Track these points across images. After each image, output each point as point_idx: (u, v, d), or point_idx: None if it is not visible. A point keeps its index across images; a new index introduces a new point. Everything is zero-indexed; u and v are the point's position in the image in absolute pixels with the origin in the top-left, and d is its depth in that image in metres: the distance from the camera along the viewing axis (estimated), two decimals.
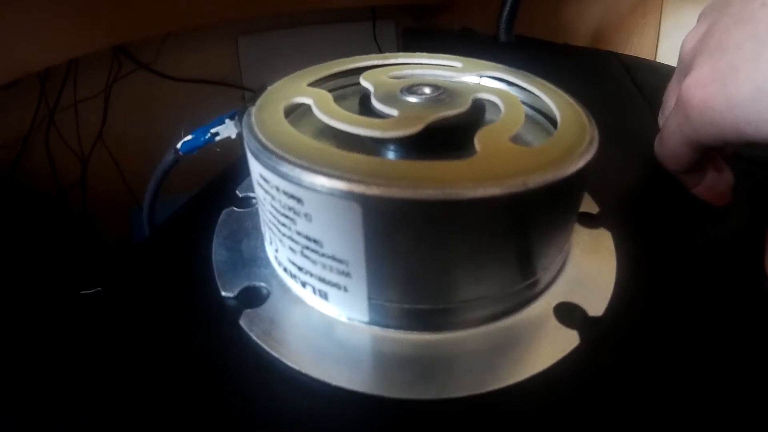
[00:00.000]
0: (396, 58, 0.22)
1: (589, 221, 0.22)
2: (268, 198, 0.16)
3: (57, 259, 0.67)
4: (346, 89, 0.21)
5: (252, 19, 0.77)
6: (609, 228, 0.21)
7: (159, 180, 0.22)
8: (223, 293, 0.18)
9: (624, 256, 0.20)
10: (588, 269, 0.19)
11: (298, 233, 0.15)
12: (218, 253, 0.20)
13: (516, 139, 0.16)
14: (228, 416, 0.15)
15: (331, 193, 0.13)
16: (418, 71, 0.21)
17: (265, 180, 0.16)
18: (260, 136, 0.16)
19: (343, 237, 0.14)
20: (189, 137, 0.21)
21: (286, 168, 0.14)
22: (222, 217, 0.22)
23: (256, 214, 0.21)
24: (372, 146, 0.16)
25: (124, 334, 0.18)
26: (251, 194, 0.23)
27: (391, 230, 0.14)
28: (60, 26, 0.59)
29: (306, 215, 0.14)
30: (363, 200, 0.13)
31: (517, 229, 0.14)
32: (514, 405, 0.15)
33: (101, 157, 0.74)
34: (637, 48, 0.71)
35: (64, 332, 0.19)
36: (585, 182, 0.16)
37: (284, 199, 0.15)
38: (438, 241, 0.14)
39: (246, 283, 0.18)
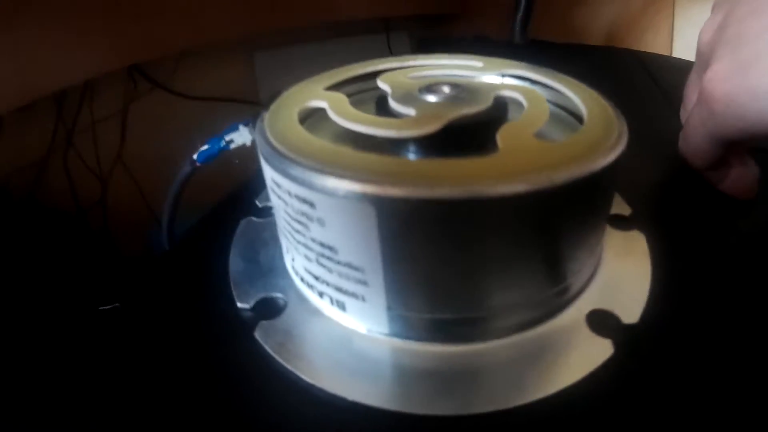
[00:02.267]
0: (415, 60, 0.22)
1: (622, 223, 0.20)
2: (282, 204, 0.15)
3: (77, 276, 0.67)
4: (364, 94, 0.21)
5: (266, 35, 0.77)
6: (642, 230, 0.20)
7: (177, 192, 0.22)
8: (239, 304, 0.18)
9: (658, 259, 0.19)
10: (621, 274, 0.18)
11: (313, 240, 0.15)
12: (235, 264, 0.19)
13: (540, 136, 0.15)
14: (241, 431, 0.14)
15: (343, 196, 0.13)
16: (437, 72, 0.21)
17: (277, 185, 0.15)
18: (271, 140, 0.15)
19: (357, 242, 0.13)
20: (205, 147, 0.20)
21: (296, 171, 0.14)
22: (240, 227, 0.21)
23: (275, 224, 0.21)
24: (390, 148, 0.15)
25: (140, 347, 0.17)
26: (270, 204, 0.22)
27: (407, 233, 0.13)
28: (75, 47, 0.60)
29: (319, 220, 0.14)
30: (377, 201, 0.12)
31: (544, 229, 0.14)
32: (543, 421, 0.14)
33: (120, 177, 0.75)
34: (651, 45, 0.70)
35: (81, 347, 0.18)
36: (614, 178, 0.15)
37: (297, 204, 0.14)
38: (458, 244, 0.13)
39: (262, 294, 0.18)
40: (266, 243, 0.20)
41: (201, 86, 0.77)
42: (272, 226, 0.21)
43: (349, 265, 0.14)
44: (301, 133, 0.15)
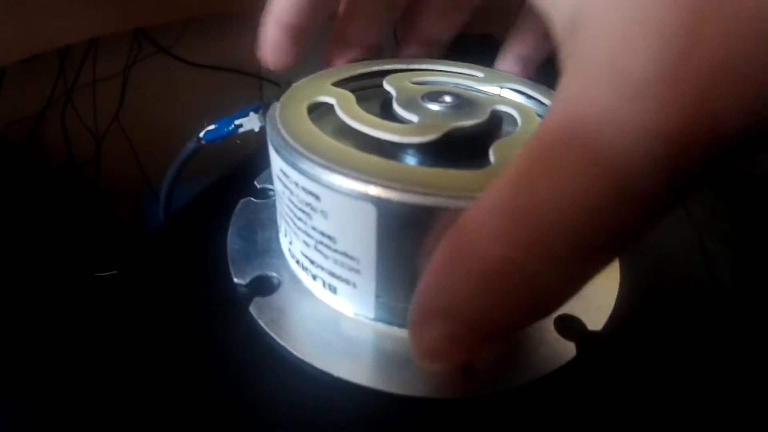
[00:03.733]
0: (420, 63, 0.23)
1: None
2: (287, 192, 0.17)
3: (67, 234, 0.68)
4: (369, 90, 0.22)
5: None
6: None
7: (179, 167, 0.23)
8: (236, 280, 0.19)
9: (627, 271, 0.21)
10: (592, 283, 0.19)
11: (314, 228, 0.16)
12: (233, 242, 0.21)
13: None
14: (232, 399, 0.16)
15: (348, 193, 0.14)
16: (440, 78, 0.22)
17: (285, 175, 0.16)
18: (283, 133, 0.16)
19: (356, 235, 0.15)
20: (212, 127, 0.21)
21: (307, 165, 0.15)
22: (239, 206, 0.23)
23: (273, 206, 0.22)
24: (390, 149, 0.17)
25: (136, 316, 0.19)
26: (269, 186, 0.23)
27: (402, 233, 0.14)
28: (82, 4, 0.59)
29: (322, 212, 0.15)
30: (378, 202, 0.14)
31: None
32: (505, 410, 0.16)
33: (116, 138, 0.75)
34: None
35: (76, 313, 0.20)
36: None
37: (302, 195, 0.16)
38: None
39: (258, 272, 0.19)
40: (263, 224, 0.22)
41: (204, 54, 0.77)
42: (270, 208, 0.22)
43: (345, 254, 0.16)
44: (311, 128, 0.17)
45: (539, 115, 0.20)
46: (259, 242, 0.21)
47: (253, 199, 0.23)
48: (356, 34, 0.22)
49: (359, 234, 0.15)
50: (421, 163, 0.17)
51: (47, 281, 0.43)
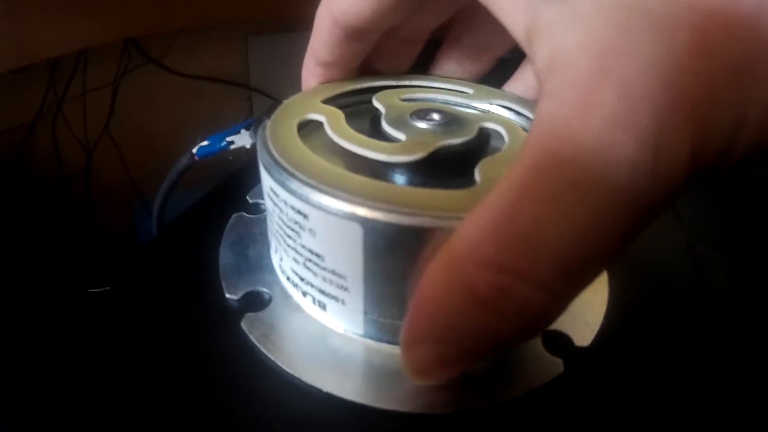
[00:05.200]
0: (410, 80, 0.23)
1: None
2: (276, 210, 0.17)
3: (57, 244, 0.68)
4: (359, 107, 0.22)
5: (262, 21, 0.78)
6: None
7: (172, 182, 0.23)
8: (227, 295, 0.19)
9: (615, 290, 0.21)
10: (581, 301, 0.20)
11: (302, 246, 0.16)
12: (225, 256, 0.21)
13: None
14: (223, 414, 0.16)
15: (335, 213, 0.14)
16: (429, 95, 0.22)
17: (274, 193, 0.17)
18: (273, 152, 0.17)
19: (343, 254, 0.15)
20: (205, 143, 0.22)
21: (295, 185, 0.15)
22: (231, 221, 0.23)
23: (265, 221, 0.22)
24: (378, 167, 0.17)
25: (128, 331, 0.19)
26: (261, 201, 0.24)
27: (388, 252, 0.15)
28: (72, 15, 0.60)
29: (311, 230, 0.15)
30: (364, 222, 0.14)
31: None
32: (493, 425, 0.16)
33: (106, 149, 0.75)
34: None
35: (69, 329, 0.20)
36: None
37: (291, 214, 0.16)
38: None
39: (250, 288, 0.19)
40: (255, 239, 0.22)
41: (193, 65, 0.77)
42: (261, 223, 0.23)
43: (333, 272, 0.16)
44: (301, 148, 0.17)
45: (526, 130, 0.20)
46: (251, 257, 0.21)
47: (245, 213, 0.23)
48: (377, 66, 0.23)
49: (347, 252, 0.15)
50: (409, 181, 0.17)
51: (38, 292, 0.43)
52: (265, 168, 0.17)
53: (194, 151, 0.22)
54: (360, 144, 0.17)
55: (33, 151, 0.72)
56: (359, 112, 0.22)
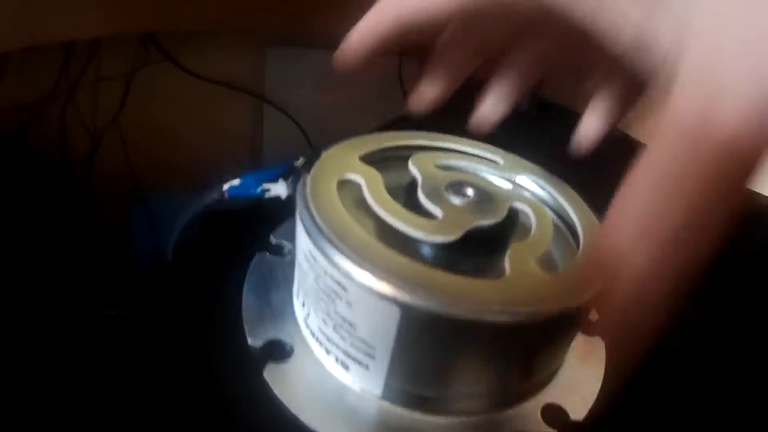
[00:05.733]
0: (443, 141, 0.24)
1: (587, 328, 0.24)
2: (313, 273, 0.18)
3: (53, 228, 0.67)
4: (395, 162, 0.23)
5: (282, 34, 0.78)
6: (604, 336, 0.23)
7: (196, 213, 0.24)
8: (250, 341, 0.20)
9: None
10: (578, 375, 0.21)
11: (336, 312, 0.17)
12: (248, 300, 0.22)
13: (543, 257, 0.18)
14: None
15: (376, 294, 0.15)
16: (462, 162, 0.24)
17: (313, 258, 0.17)
18: (315, 216, 0.18)
19: (377, 328, 0.16)
20: (236, 182, 0.22)
21: (338, 258, 0.16)
22: (254, 261, 0.24)
23: (288, 265, 0.23)
24: (413, 239, 0.18)
25: (151, 362, 0.20)
26: (284, 242, 0.24)
27: (422, 333, 0.16)
28: (89, 2, 0.60)
29: (347, 302, 0.16)
30: (403, 306, 0.15)
31: (529, 347, 0.17)
32: None
33: (113, 139, 0.75)
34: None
35: (86, 359, 0.20)
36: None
37: (329, 282, 0.17)
38: (460, 349, 0.16)
39: (272, 336, 0.20)
40: (278, 284, 0.23)
41: (208, 68, 0.78)
42: (284, 268, 0.23)
43: (363, 341, 0.17)
44: (343, 216, 0.18)
45: (553, 209, 0.21)
46: (273, 303, 0.22)
47: (268, 254, 0.24)
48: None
49: (380, 328, 0.16)
50: (442, 256, 0.18)
51: (32, 277, 0.43)
52: (306, 230, 0.18)
53: (225, 188, 0.23)
54: (398, 218, 0.18)
55: (39, 132, 0.72)
56: (395, 169, 0.23)
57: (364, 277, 0.15)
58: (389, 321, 0.16)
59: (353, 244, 0.17)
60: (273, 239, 0.25)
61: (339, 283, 0.16)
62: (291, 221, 0.21)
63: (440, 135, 0.25)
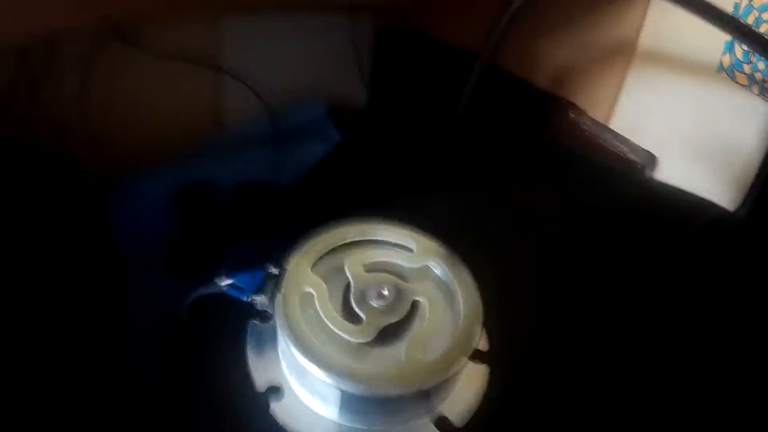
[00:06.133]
0: (370, 233, 0.36)
1: (477, 356, 0.35)
2: (289, 358, 0.31)
3: (34, 225, 0.69)
4: (334, 269, 0.35)
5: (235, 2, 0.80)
6: (488, 364, 0.35)
7: (192, 302, 0.36)
8: (257, 388, 0.33)
9: (491, 386, 0.35)
10: (465, 393, 0.34)
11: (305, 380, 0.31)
12: (251, 359, 0.35)
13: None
14: None
15: (324, 383, 0.29)
16: (382, 258, 0.35)
17: (289, 351, 0.30)
18: (286, 330, 0.30)
19: (329, 395, 0.30)
20: (230, 281, 0.34)
21: (299, 357, 0.29)
22: (249, 327, 0.36)
23: (272, 328, 0.35)
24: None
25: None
26: (268, 310, 0.36)
27: (352, 399, 0.29)
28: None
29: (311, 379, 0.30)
30: (342, 390, 0.29)
31: (418, 400, 0.31)
32: None
33: (80, 128, 0.78)
34: (594, 103, 0.70)
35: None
36: None
37: (298, 365, 0.30)
38: (374, 405, 0.30)
39: (271, 383, 0.33)
40: (267, 344, 0.35)
41: (166, 45, 0.79)
42: (270, 331, 0.35)
43: (323, 397, 0.31)
44: (304, 329, 0.30)
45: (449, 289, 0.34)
46: (266, 359, 0.35)
47: (257, 322, 0.36)
48: None
49: (330, 395, 0.30)
50: (366, 345, 0.31)
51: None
52: (282, 336, 0.30)
53: (223, 285, 0.34)
54: (335, 325, 0.31)
55: (6, 130, 0.74)
56: (335, 276, 0.34)
57: (317, 373, 0.29)
58: (334, 393, 0.29)
59: (308, 345, 0.29)
60: (258, 308, 0.37)
61: (303, 367, 0.30)
62: None
63: (368, 227, 0.36)
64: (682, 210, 0.54)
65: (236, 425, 0.32)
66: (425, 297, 0.33)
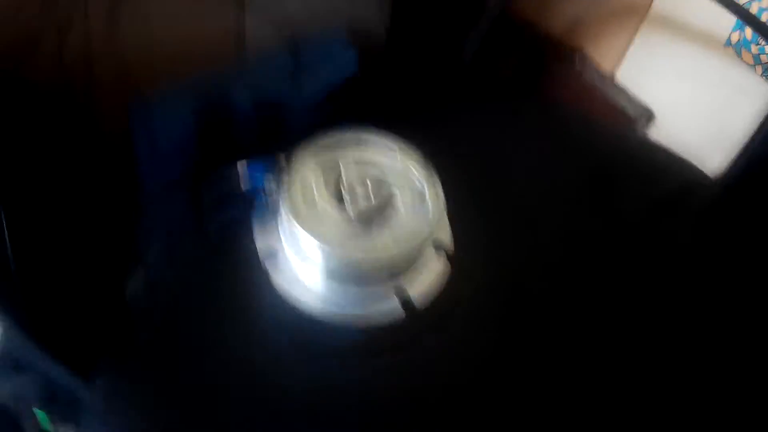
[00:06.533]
0: (366, 138, 0.42)
1: (442, 254, 0.42)
2: (287, 230, 0.38)
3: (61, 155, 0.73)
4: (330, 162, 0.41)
5: None
6: (450, 262, 0.42)
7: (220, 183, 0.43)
8: (258, 251, 0.41)
9: (453, 279, 0.42)
10: (428, 284, 0.41)
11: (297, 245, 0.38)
12: (256, 229, 0.42)
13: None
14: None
15: (312, 247, 0.36)
16: (369, 157, 0.41)
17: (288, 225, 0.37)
18: (289, 209, 0.37)
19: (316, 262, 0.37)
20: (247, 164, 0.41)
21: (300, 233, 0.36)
22: (256, 204, 0.43)
23: (275, 205, 0.41)
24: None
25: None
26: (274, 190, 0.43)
27: (335, 271, 0.37)
28: None
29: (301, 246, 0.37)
30: (323, 252, 0.36)
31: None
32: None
33: (107, 59, 0.81)
34: (604, 54, 0.71)
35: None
36: None
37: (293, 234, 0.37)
38: (351, 273, 0.37)
39: (270, 248, 0.41)
40: (268, 219, 0.42)
41: None
42: (274, 206, 0.42)
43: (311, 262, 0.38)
44: (301, 207, 0.38)
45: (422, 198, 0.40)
46: (267, 230, 0.42)
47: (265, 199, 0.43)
48: None
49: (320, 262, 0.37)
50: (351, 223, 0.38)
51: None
52: (284, 213, 0.38)
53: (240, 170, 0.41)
54: (325, 201, 0.38)
55: (36, 64, 0.77)
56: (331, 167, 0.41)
57: (304, 235, 0.36)
58: (317, 254, 0.37)
59: (301, 216, 0.37)
60: (268, 187, 0.44)
61: (296, 233, 0.37)
62: None
63: (362, 135, 0.43)
64: (660, 167, 0.57)
65: (240, 279, 0.40)
66: (400, 191, 0.40)
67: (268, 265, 0.40)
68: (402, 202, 0.40)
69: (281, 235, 0.41)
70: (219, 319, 0.40)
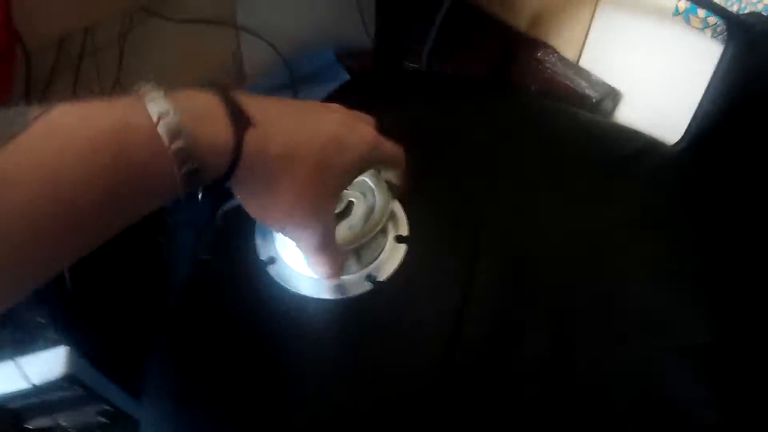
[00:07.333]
0: None
1: (400, 239, 0.50)
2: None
3: None
4: None
5: None
6: (407, 244, 0.50)
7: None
8: (261, 257, 0.49)
9: (409, 259, 0.50)
10: (389, 263, 0.49)
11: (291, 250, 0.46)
12: (258, 240, 0.50)
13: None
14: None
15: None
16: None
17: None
18: None
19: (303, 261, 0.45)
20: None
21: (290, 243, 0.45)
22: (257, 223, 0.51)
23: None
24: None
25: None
26: None
27: None
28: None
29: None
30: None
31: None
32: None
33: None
34: (566, 42, 0.74)
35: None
36: None
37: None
38: None
39: (270, 255, 0.49)
40: (267, 231, 0.51)
41: (186, 11, 0.90)
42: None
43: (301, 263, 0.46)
44: None
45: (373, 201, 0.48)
46: (268, 240, 0.50)
47: None
48: None
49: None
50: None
51: None
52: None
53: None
54: None
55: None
56: None
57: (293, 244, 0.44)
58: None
59: None
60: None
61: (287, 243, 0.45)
62: None
63: None
64: (613, 137, 0.61)
65: (247, 280, 0.49)
66: (356, 198, 0.48)
67: (268, 266, 0.49)
68: (357, 206, 0.48)
69: (276, 243, 0.50)
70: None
